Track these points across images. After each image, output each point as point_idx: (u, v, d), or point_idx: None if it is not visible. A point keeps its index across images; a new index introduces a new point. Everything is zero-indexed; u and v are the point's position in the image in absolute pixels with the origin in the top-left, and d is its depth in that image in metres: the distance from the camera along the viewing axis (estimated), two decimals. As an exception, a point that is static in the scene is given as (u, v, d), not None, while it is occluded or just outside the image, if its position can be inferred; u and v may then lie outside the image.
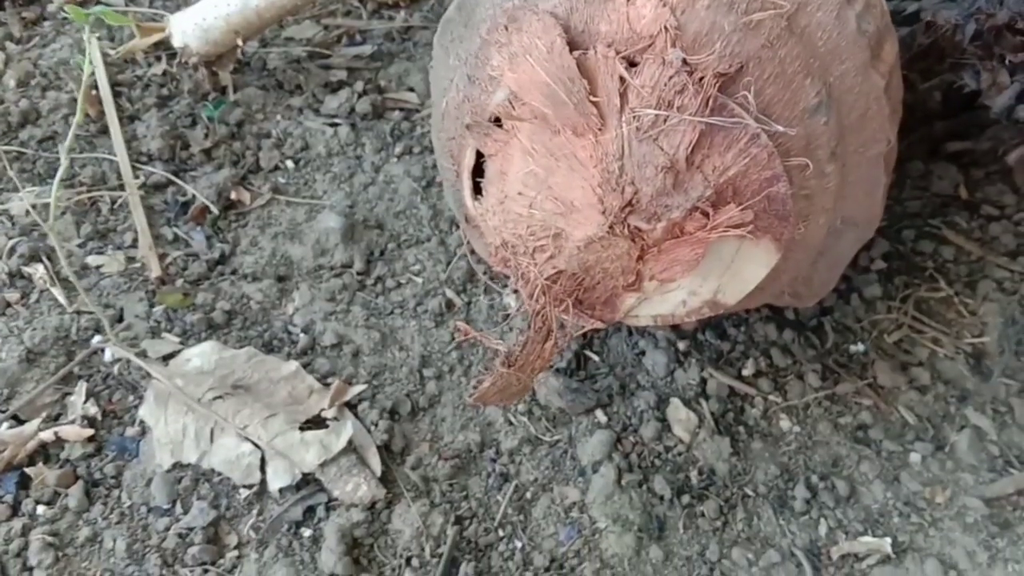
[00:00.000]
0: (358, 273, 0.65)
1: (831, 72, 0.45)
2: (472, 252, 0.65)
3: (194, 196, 0.68)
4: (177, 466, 0.55)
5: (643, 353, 0.62)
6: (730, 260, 0.46)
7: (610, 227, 0.43)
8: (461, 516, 0.55)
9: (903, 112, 0.52)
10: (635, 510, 0.55)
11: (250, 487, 0.54)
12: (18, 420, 0.57)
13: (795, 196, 0.44)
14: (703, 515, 0.56)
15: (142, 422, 0.56)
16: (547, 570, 0.54)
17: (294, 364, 0.58)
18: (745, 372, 0.62)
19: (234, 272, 0.65)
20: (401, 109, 0.74)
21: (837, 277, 0.56)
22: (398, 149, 0.72)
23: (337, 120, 0.73)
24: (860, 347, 0.63)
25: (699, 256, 0.45)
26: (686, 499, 0.57)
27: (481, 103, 0.47)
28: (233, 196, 0.68)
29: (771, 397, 0.61)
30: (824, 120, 0.45)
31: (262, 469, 0.54)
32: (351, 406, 0.58)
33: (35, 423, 0.56)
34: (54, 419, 0.57)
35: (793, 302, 0.56)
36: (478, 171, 0.48)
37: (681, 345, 0.62)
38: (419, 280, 0.65)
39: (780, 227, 0.44)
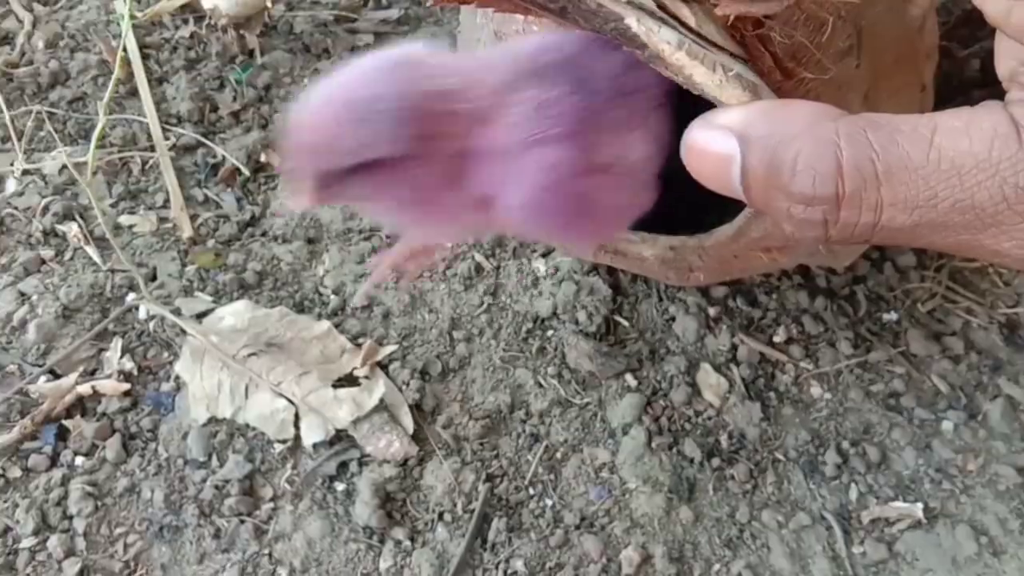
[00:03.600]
0: (386, 236, 0.68)
1: (863, 15, 0.47)
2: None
3: (224, 158, 0.71)
4: (212, 421, 0.58)
5: (673, 319, 0.65)
6: None
7: None
8: (492, 474, 0.58)
9: (940, 78, 0.55)
10: (665, 472, 0.58)
11: (284, 442, 0.57)
12: (55, 374, 0.61)
13: None
14: (733, 478, 0.59)
15: (177, 377, 0.60)
16: (577, 528, 0.57)
17: (326, 324, 0.61)
18: (776, 339, 0.64)
19: (264, 234, 0.68)
20: (430, 73, 0.77)
21: None
22: (428, 113, 0.74)
23: (366, 84, 0.76)
24: (893, 316, 0.65)
25: None
26: (716, 462, 0.60)
27: None
28: (262, 159, 0.71)
29: (802, 364, 0.64)
30: (856, 63, 0.47)
31: (296, 425, 0.57)
32: (382, 366, 0.61)
33: (72, 377, 0.60)
34: (90, 374, 0.61)
35: (828, 260, 0.59)
36: None
37: (712, 311, 0.65)
38: (448, 244, 0.68)
39: None
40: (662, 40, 0.40)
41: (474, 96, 0.42)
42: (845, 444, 0.61)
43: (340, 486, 0.57)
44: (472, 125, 0.42)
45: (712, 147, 0.31)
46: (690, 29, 0.40)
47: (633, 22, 0.40)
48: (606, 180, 0.45)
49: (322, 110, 0.41)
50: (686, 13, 0.41)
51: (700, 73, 0.39)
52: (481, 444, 0.60)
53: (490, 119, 0.42)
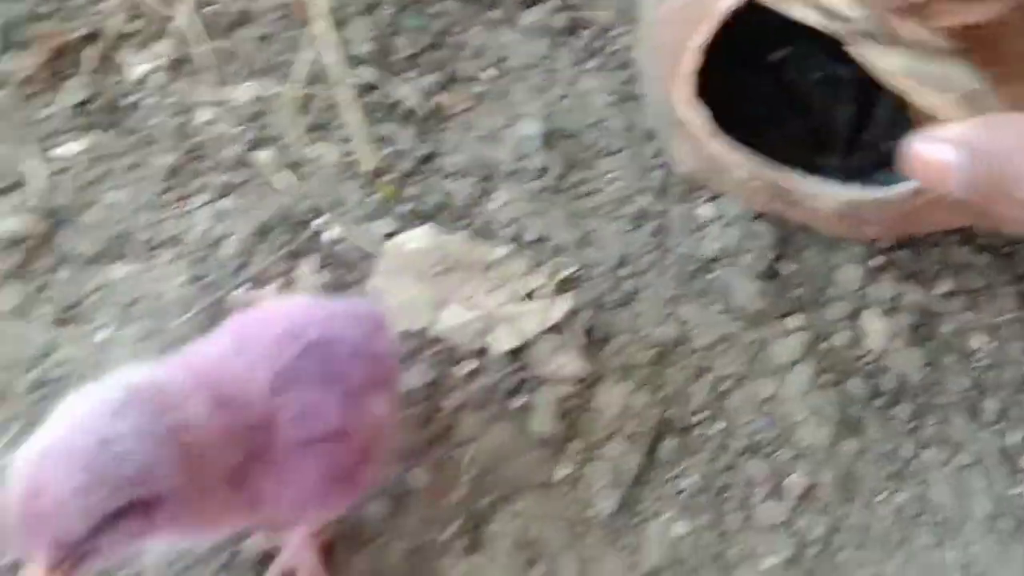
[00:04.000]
0: (556, 177, 0.72)
1: None
2: (664, 165, 0.71)
3: (400, 100, 0.76)
4: (405, 333, 0.63)
5: (837, 267, 0.67)
6: None
7: None
8: (662, 399, 0.62)
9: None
10: (831, 406, 0.61)
11: (471, 354, 0.62)
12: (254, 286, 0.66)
13: None
14: (896, 418, 0.62)
15: (372, 291, 0.65)
16: (742, 454, 0.60)
17: (506, 248, 0.66)
18: (937, 291, 0.67)
19: (439, 170, 0.73)
20: (594, 27, 0.81)
21: None
22: (592, 65, 0.78)
23: (533, 35, 0.80)
24: (1055, 275, 0.67)
25: None
26: (879, 402, 0.62)
27: (706, 5, 0.53)
28: (436, 101, 0.76)
29: (964, 315, 0.66)
30: None
31: (484, 336, 0.61)
32: (559, 292, 0.65)
33: (269, 288, 0.65)
34: (286, 288, 0.66)
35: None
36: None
37: (874, 261, 0.67)
38: (613, 188, 0.72)
39: None
40: (888, 65, 0.43)
41: (243, 404, 0.44)
42: (1004, 393, 0.63)
43: (519, 400, 0.61)
44: (250, 433, 0.44)
45: (937, 156, 0.34)
46: (910, 42, 0.43)
47: (862, 50, 0.43)
48: (366, 454, 0.50)
49: (57, 465, 0.36)
50: (908, 30, 0.44)
51: (923, 95, 0.42)
52: (651, 371, 0.63)
53: (262, 425, 0.45)
